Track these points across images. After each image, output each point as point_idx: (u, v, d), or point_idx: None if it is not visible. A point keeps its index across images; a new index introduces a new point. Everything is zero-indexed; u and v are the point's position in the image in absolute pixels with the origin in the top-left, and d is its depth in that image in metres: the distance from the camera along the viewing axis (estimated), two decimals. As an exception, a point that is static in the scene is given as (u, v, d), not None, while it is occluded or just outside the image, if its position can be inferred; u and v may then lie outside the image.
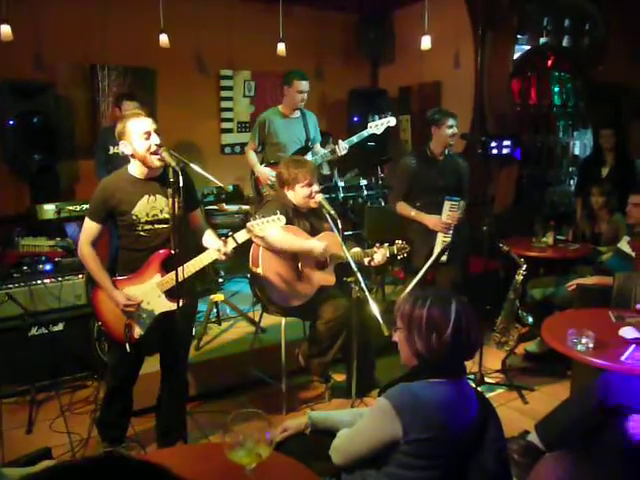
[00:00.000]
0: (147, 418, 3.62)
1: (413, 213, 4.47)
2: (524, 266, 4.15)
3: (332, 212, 3.62)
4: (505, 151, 6.12)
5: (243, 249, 3.29)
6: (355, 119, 7.27)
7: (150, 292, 3.06)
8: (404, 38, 7.22)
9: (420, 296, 1.99)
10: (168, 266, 3.03)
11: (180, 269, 2.87)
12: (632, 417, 2.49)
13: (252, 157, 5.01)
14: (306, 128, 4.97)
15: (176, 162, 2.85)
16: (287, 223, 3.34)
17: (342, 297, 3.78)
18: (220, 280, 5.70)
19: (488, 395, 3.83)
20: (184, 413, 3.35)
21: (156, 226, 3.05)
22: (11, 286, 4.03)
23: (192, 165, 3.02)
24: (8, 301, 3.89)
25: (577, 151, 7.35)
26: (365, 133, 4.84)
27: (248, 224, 3.09)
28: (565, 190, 7.11)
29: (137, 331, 3.06)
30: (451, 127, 4.41)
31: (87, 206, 3.20)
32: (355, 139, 4.83)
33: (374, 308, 3.28)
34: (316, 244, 3.68)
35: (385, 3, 7.16)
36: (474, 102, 6.44)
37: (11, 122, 5.12)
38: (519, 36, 6.47)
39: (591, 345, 2.76)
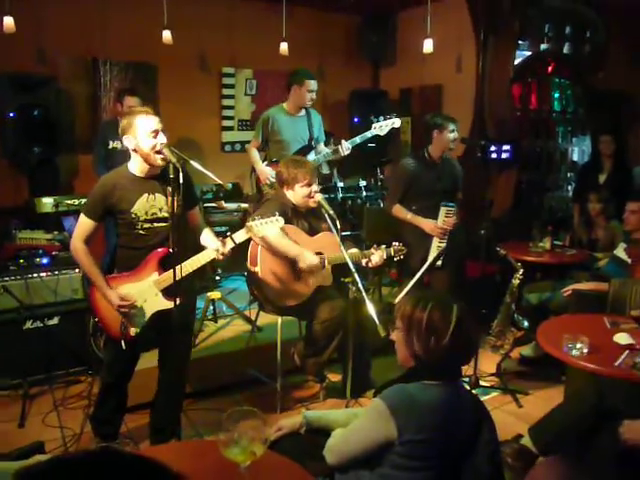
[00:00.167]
0: (141, 415, 3.61)
1: (409, 216, 4.48)
2: (521, 270, 4.16)
3: (331, 212, 3.63)
4: (504, 156, 6.14)
5: (241, 247, 3.29)
6: (355, 120, 7.27)
7: (147, 290, 3.05)
8: (406, 40, 7.22)
9: (422, 298, 1.99)
10: (166, 265, 3.03)
11: (178, 268, 2.87)
12: (625, 422, 2.49)
13: (254, 154, 5.01)
14: (310, 127, 4.97)
15: (177, 159, 2.85)
16: (286, 223, 3.34)
17: (339, 297, 3.78)
18: (217, 278, 5.71)
19: (483, 398, 3.82)
20: (179, 411, 3.36)
21: (155, 225, 3.04)
22: (7, 279, 4.03)
23: (192, 162, 3.02)
24: (4, 294, 3.89)
25: (576, 157, 7.37)
26: (369, 134, 4.83)
27: (247, 224, 3.09)
28: (563, 196, 7.13)
29: (133, 329, 3.05)
30: (452, 132, 4.43)
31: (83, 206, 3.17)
32: (358, 139, 4.82)
33: (371, 309, 3.29)
34: (306, 257, 3.64)
35: (388, 5, 7.17)
36: (474, 106, 6.45)
37: (12, 115, 5.11)
38: (520, 42, 6.48)
39: (585, 350, 2.77)
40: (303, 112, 4.98)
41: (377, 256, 3.85)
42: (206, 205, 5.59)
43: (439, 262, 4.30)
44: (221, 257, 3.01)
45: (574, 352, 2.78)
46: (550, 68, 6.98)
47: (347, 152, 4.77)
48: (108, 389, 3.25)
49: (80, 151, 5.78)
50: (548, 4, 6.43)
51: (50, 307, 4.15)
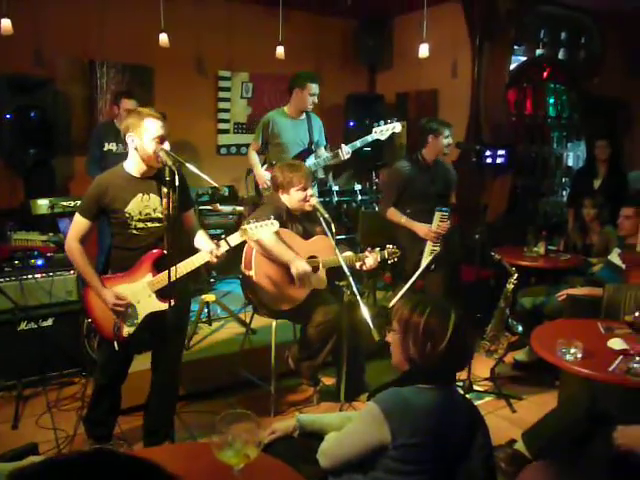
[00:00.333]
0: (135, 417, 3.61)
1: (403, 220, 4.49)
2: (515, 275, 4.17)
3: (326, 216, 3.63)
4: (499, 160, 6.15)
5: (236, 251, 3.29)
6: (351, 124, 7.28)
7: (141, 291, 3.05)
8: (402, 45, 7.25)
9: (420, 302, 1.99)
10: (160, 266, 3.03)
11: (172, 269, 2.87)
12: (619, 427, 2.50)
13: (253, 157, 5.00)
14: (310, 131, 4.96)
15: (172, 162, 2.86)
16: (280, 226, 3.34)
17: (333, 301, 3.78)
18: (212, 280, 5.71)
19: (476, 403, 3.83)
20: (172, 413, 3.35)
21: (149, 225, 3.04)
22: (2, 280, 4.02)
23: (188, 165, 3.02)
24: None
25: (570, 162, 7.39)
26: (369, 138, 4.80)
27: (242, 227, 3.09)
28: (558, 201, 7.15)
29: (126, 330, 3.05)
30: (447, 137, 4.46)
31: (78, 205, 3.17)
32: (359, 144, 4.79)
33: (365, 312, 3.28)
34: (298, 264, 3.62)
35: (384, 10, 7.18)
36: (470, 111, 6.46)
37: (8, 116, 5.10)
38: (516, 47, 6.50)
39: (579, 355, 2.78)
40: (304, 116, 4.97)
41: (371, 259, 3.85)
42: (201, 208, 5.59)
43: (432, 266, 4.31)
44: (215, 260, 3.01)
45: (568, 357, 2.79)
46: (545, 74, 7.01)
47: (347, 156, 4.75)
48: (102, 391, 3.24)
49: (76, 153, 5.77)
50: (544, 10, 6.45)
51: (45, 308, 4.14)
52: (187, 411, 3.87)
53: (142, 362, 3.48)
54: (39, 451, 2.76)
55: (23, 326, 4.04)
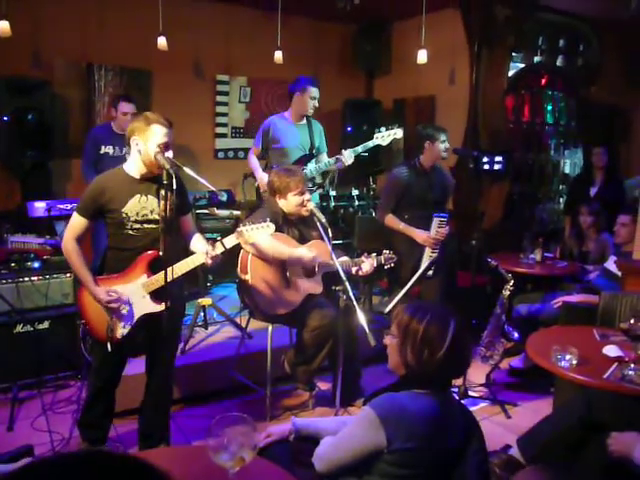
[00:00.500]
0: (130, 420, 3.61)
1: (402, 226, 4.50)
2: (511, 281, 4.18)
3: (323, 220, 3.64)
4: (497, 167, 6.18)
5: (232, 255, 3.30)
6: (349, 129, 7.29)
7: (135, 292, 3.05)
8: (400, 51, 7.26)
9: (421, 309, 1.99)
10: (155, 267, 3.03)
11: (167, 271, 2.88)
12: (613, 434, 2.51)
13: (254, 161, 5.01)
14: (311, 136, 4.96)
15: (170, 165, 2.87)
16: (277, 231, 3.35)
17: (329, 306, 3.78)
18: (208, 284, 5.70)
19: (471, 409, 3.82)
20: (167, 417, 3.35)
21: (145, 226, 3.04)
22: (-2, 282, 4.01)
23: (185, 168, 3.03)
24: (-6, 297, 3.88)
25: (567, 170, 7.42)
26: (370, 144, 4.80)
27: (238, 229, 3.09)
28: (554, 208, 7.17)
29: (119, 331, 3.05)
30: (444, 142, 4.46)
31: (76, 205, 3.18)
32: (360, 149, 4.79)
33: (361, 318, 3.28)
34: (304, 252, 3.67)
35: (383, 15, 7.21)
36: (468, 117, 6.48)
37: (5, 118, 5.10)
38: (514, 54, 6.52)
39: (575, 362, 2.78)
40: (304, 120, 4.97)
41: (368, 264, 3.86)
42: (198, 212, 5.60)
43: (430, 272, 4.32)
44: (210, 261, 3.01)
45: (563, 363, 2.79)
46: (543, 81, 7.04)
47: (350, 161, 4.75)
48: (96, 394, 3.24)
49: (74, 156, 5.76)
50: (542, 17, 6.48)
51: (41, 311, 4.14)
52: (183, 415, 3.87)
53: (137, 365, 3.48)
54: (34, 453, 2.75)
55: (19, 329, 4.03)
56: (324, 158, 4.98)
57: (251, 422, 1.71)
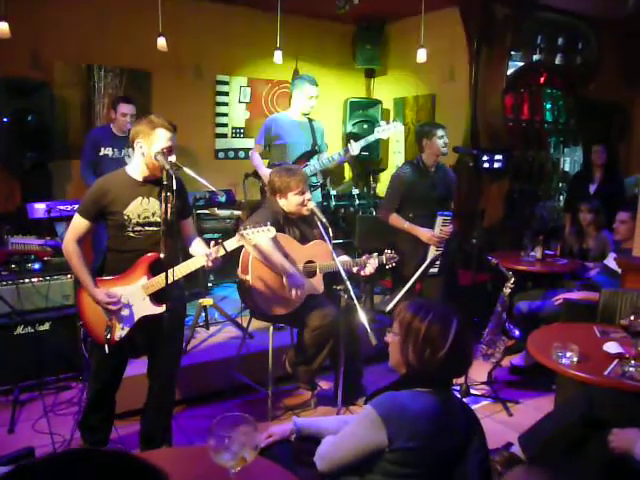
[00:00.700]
0: (132, 421, 3.60)
1: (406, 225, 4.49)
2: (512, 279, 4.18)
3: (324, 220, 3.63)
4: (496, 165, 6.18)
5: (233, 255, 3.30)
6: (349, 128, 7.28)
7: (135, 294, 3.05)
8: (400, 50, 7.26)
9: (423, 307, 1.98)
10: (156, 269, 3.03)
11: (167, 273, 2.88)
12: (614, 430, 2.51)
13: (256, 158, 5.02)
14: (313, 133, 4.97)
15: (170, 166, 2.87)
16: (278, 231, 3.35)
17: (330, 305, 3.77)
18: (209, 284, 5.71)
19: (473, 407, 3.82)
20: (170, 419, 3.35)
21: (146, 228, 3.05)
22: (-1, 284, 4.02)
23: (185, 169, 3.03)
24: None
25: (567, 167, 7.42)
26: (371, 138, 4.84)
27: (239, 232, 3.09)
28: (554, 206, 7.17)
29: (118, 333, 3.05)
30: (441, 138, 4.46)
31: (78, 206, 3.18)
32: (363, 142, 4.81)
33: (362, 317, 3.28)
34: (295, 274, 3.64)
35: (382, 15, 7.20)
36: (467, 116, 6.48)
37: (5, 119, 5.10)
38: (513, 52, 6.52)
39: (575, 359, 2.79)
40: (305, 118, 5.00)
41: (370, 266, 3.86)
42: (199, 212, 5.59)
43: (435, 269, 4.32)
44: (210, 264, 3.01)
45: (564, 361, 2.79)
46: (542, 79, 7.04)
47: (357, 152, 4.77)
48: (95, 396, 3.24)
49: (73, 157, 5.75)
50: (541, 16, 6.48)
51: (41, 313, 4.14)
52: (185, 415, 3.87)
53: (138, 367, 3.48)
54: (35, 455, 2.75)
55: (20, 330, 4.04)
56: (326, 156, 4.98)
57: (252, 422, 1.71)
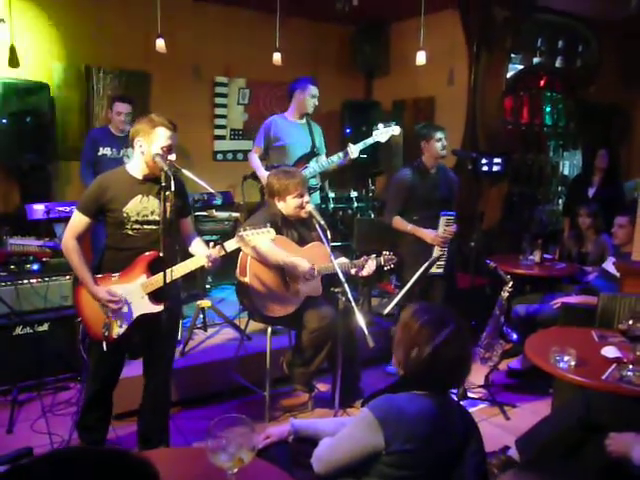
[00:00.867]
0: (129, 422, 3.61)
1: (409, 227, 4.48)
2: (510, 283, 4.18)
3: (322, 222, 3.63)
4: (495, 168, 6.18)
5: (231, 257, 3.30)
6: (348, 131, 7.29)
7: (134, 292, 3.05)
8: (399, 52, 7.26)
9: (423, 309, 2.00)
10: (155, 268, 3.03)
11: (166, 272, 2.88)
12: (611, 434, 2.51)
13: (255, 160, 5.01)
14: (312, 135, 4.97)
15: (168, 167, 2.87)
16: (276, 233, 3.35)
17: (328, 307, 3.77)
18: (207, 286, 5.70)
19: (470, 410, 3.83)
20: (166, 419, 3.35)
21: (145, 226, 3.05)
22: (-3, 284, 4.01)
23: (184, 170, 3.03)
24: (-6, 300, 3.88)
25: (566, 171, 7.43)
26: (370, 140, 4.84)
27: (238, 234, 3.10)
28: (553, 209, 7.18)
29: (116, 330, 3.05)
30: (440, 140, 4.44)
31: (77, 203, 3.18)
32: (361, 145, 4.82)
33: (360, 319, 3.29)
34: (300, 262, 3.66)
35: (381, 16, 7.21)
36: (466, 119, 6.48)
37: (4, 121, 5.10)
38: (513, 55, 6.53)
39: (573, 363, 2.79)
40: (304, 120, 5.00)
41: (368, 268, 3.86)
42: (197, 214, 5.59)
43: (440, 270, 4.32)
44: (210, 264, 3.02)
45: (562, 365, 2.79)
46: (542, 82, 7.05)
47: (356, 155, 4.76)
48: (93, 396, 3.23)
49: (72, 158, 5.75)
50: (541, 18, 6.49)
51: (40, 313, 4.15)
52: (182, 417, 3.87)
53: (135, 367, 3.48)
54: (34, 455, 2.75)
55: (18, 331, 4.04)
56: (324, 158, 4.98)
57: (250, 423, 1.71)
